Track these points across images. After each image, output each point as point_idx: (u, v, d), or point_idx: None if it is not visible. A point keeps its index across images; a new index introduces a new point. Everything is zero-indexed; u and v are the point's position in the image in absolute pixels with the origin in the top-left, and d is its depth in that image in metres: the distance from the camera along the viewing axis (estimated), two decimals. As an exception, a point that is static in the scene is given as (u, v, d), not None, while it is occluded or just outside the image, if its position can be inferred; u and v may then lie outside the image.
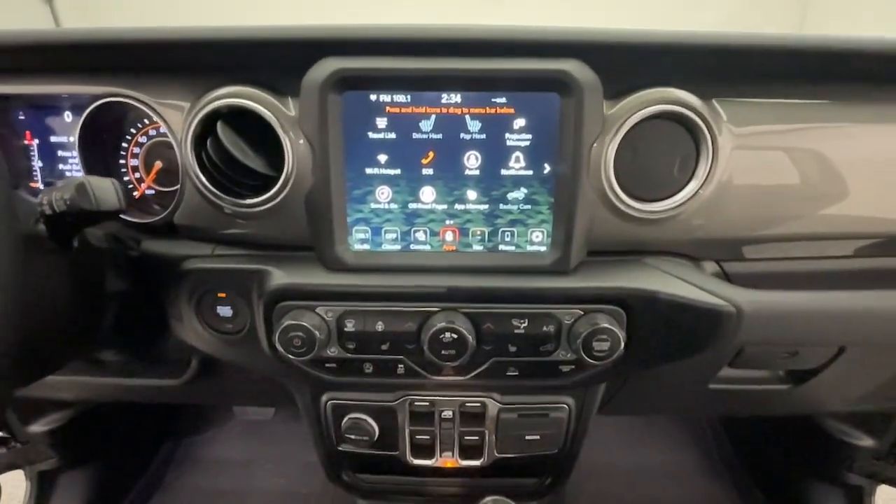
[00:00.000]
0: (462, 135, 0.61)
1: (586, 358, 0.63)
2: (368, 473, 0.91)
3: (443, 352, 0.63)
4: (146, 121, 0.73)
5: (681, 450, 1.59)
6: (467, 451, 0.81)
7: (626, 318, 0.65)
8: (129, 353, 0.82)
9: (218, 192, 0.63)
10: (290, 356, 0.64)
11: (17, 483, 1.26)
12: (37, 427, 1.17)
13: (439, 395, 0.76)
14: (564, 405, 0.77)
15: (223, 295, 0.70)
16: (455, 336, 0.62)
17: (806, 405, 0.96)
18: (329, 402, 0.78)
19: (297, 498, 1.46)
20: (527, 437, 0.78)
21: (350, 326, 0.65)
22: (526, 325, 0.65)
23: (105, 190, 0.52)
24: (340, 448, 0.82)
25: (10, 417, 1.15)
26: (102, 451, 1.37)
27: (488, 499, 0.69)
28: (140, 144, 0.74)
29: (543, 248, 0.65)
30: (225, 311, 0.71)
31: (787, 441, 1.38)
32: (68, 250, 0.59)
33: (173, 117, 0.66)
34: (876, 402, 0.92)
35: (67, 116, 0.75)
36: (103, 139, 0.73)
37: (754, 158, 0.64)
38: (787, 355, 0.81)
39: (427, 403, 0.77)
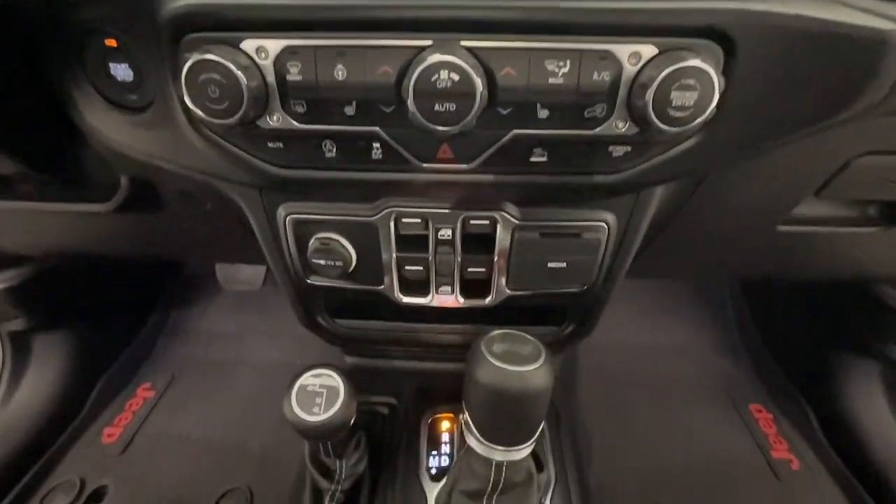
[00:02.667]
0: None
1: (656, 121, 0.41)
2: (349, 318, 0.76)
3: (436, 106, 0.41)
4: None
5: (699, 328, 1.52)
6: (471, 287, 0.63)
7: (723, 62, 0.42)
8: (27, 163, 0.62)
9: None
10: (207, 118, 0.43)
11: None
12: None
13: (435, 207, 0.57)
14: (603, 224, 0.58)
15: (113, 43, 0.47)
16: (456, 78, 0.39)
17: (886, 261, 0.78)
18: (289, 218, 0.59)
19: (290, 369, 1.40)
20: (549, 265, 0.59)
21: (295, 73, 0.42)
22: (566, 70, 0.41)
23: None
24: (310, 281, 0.65)
25: None
26: (79, 315, 1.31)
27: (496, 332, 0.53)
28: None
29: None
30: (121, 70, 0.49)
31: (820, 313, 1.27)
32: None
33: None
34: None
35: None
36: None
37: None
38: None
39: (418, 220, 0.58)
